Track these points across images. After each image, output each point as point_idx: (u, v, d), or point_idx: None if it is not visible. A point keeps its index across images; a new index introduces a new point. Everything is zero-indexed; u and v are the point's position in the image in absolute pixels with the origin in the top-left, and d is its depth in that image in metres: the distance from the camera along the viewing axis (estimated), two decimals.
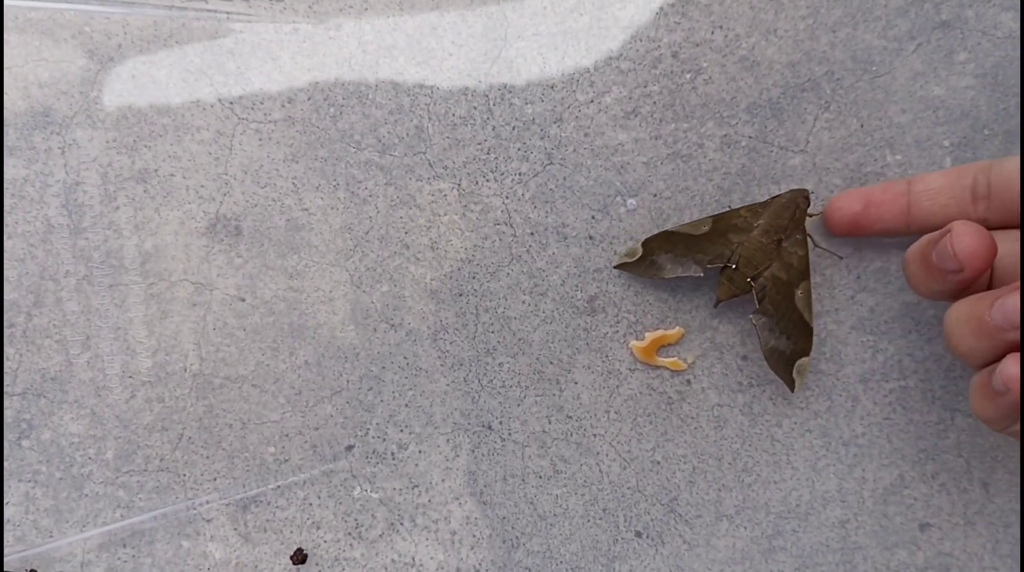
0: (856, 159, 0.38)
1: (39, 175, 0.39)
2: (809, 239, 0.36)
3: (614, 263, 0.38)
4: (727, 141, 0.38)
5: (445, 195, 0.39)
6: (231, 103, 0.39)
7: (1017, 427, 0.29)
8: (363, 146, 0.39)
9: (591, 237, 0.39)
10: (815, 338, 0.38)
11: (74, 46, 0.39)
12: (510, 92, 0.38)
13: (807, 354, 0.36)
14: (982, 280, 0.31)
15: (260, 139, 0.39)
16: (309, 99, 0.39)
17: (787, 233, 0.36)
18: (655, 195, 0.38)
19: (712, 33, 0.38)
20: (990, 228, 0.30)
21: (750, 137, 0.38)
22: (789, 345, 0.36)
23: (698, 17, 0.38)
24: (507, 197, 0.39)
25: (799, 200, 0.36)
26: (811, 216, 0.36)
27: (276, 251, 0.39)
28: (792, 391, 0.36)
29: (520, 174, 0.39)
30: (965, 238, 0.28)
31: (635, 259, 0.37)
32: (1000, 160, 0.32)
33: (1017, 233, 0.31)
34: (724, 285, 0.36)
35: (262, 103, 0.39)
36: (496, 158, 0.39)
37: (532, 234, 0.39)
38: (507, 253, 0.39)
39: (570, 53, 0.38)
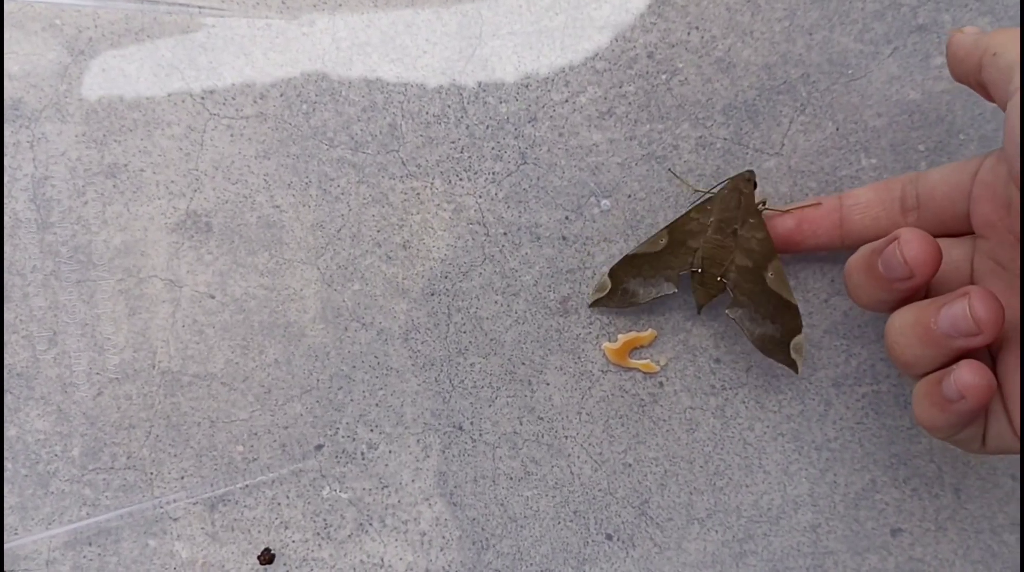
0: (831, 162, 0.38)
1: (7, 169, 0.38)
2: (768, 212, 0.36)
3: (588, 302, 0.38)
4: (702, 143, 0.38)
5: (418, 194, 0.38)
6: (202, 98, 0.38)
7: (962, 435, 0.29)
8: (336, 143, 0.38)
9: (564, 238, 0.38)
10: (804, 311, 0.38)
11: (45, 39, 0.38)
12: (484, 91, 0.38)
13: (799, 331, 0.35)
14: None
15: (232, 135, 0.38)
16: (281, 95, 0.38)
17: (740, 221, 0.35)
18: (629, 196, 0.38)
19: (688, 34, 0.38)
20: None
21: (725, 139, 0.38)
22: (778, 328, 0.35)
23: (674, 18, 0.38)
24: (480, 196, 0.38)
25: (740, 185, 0.35)
26: (763, 204, 0.36)
27: (247, 248, 0.38)
28: (797, 372, 0.35)
29: (494, 173, 0.38)
30: (914, 244, 0.28)
31: (607, 292, 0.37)
32: (924, 173, 0.33)
33: (952, 242, 0.31)
34: (699, 290, 0.36)
35: (234, 99, 0.38)
36: (470, 157, 0.38)
37: (505, 234, 0.38)
38: (480, 253, 0.38)
39: (545, 52, 0.38)
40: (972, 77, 0.29)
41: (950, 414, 0.27)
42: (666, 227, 0.36)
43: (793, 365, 0.35)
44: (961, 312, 0.27)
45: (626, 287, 0.37)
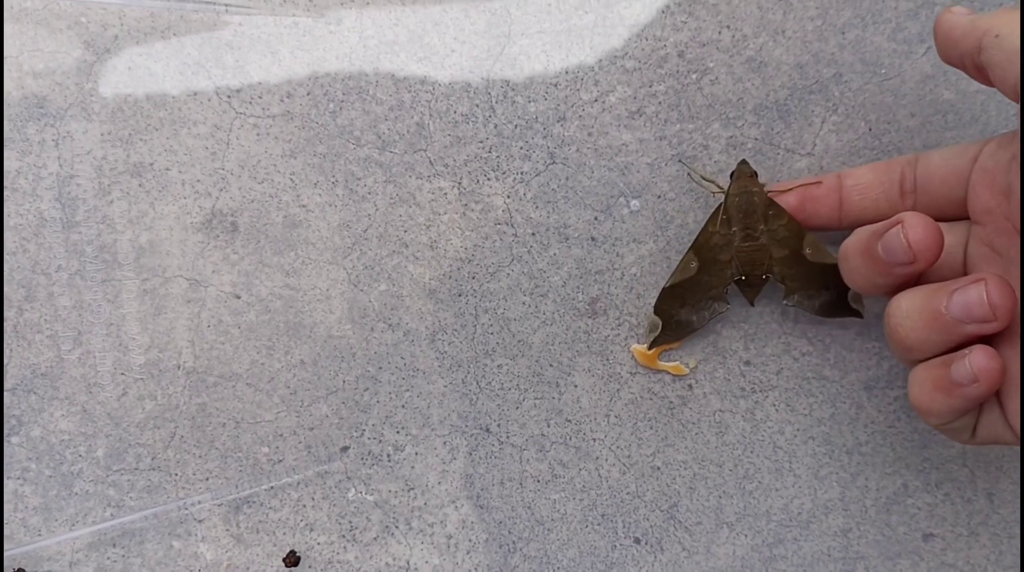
0: (864, 163, 0.38)
1: (32, 167, 0.38)
2: (776, 190, 0.35)
3: (647, 347, 0.37)
4: (733, 143, 0.38)
5: (445, 193, 0.38)
6: (229, 97, 0.38)
7: (957, 423, 0.29)
8: (363, 142, 0.38)
9: (593, 238, 0.38)
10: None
11: (70, 36, 0.38)
12: (513, 90, 0.38)
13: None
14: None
15: (258, 134, 0.38)
16: (308, 94, 0.38)
17: (762, 219, 0.35)
18: (659, 197, 0.38)
19: (719, 33, 0.37)
20: None
21: (756, 139, 0.38)
22: (832, 292, 0.35)
23: (705, 16, 0.38)
24: (508, 196, 0.38)
25: (747, 185, 0.34)
26: (764, 186, 0.35)
27: (273, 248, 0.38)
28: (862, 317, 0.35)
29: (522, 173, 0.38)
30: (918, 229, 0.28)
31: (661, 330, 0.36)
32: (925, 154, 0.32)
33: (947, 227, 0.31)
34: (747, 291, 0.36)
35: (260, 97, 0.38)
36: (498, 157, 0.38)
37: (533, 234, 0.38)
38: (508, 253, 0.38)
39: (574, 51, 0.38)
40: (968, 59, 0.28)
41: (956, 399, 0.27)
42: (691, 249, 0.36)
43: (858, 314, 0.35)
44: (977, 298, 0.26)
45: (678, 320, 0.36)
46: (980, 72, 0.28)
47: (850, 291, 0.35)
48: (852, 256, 0.30)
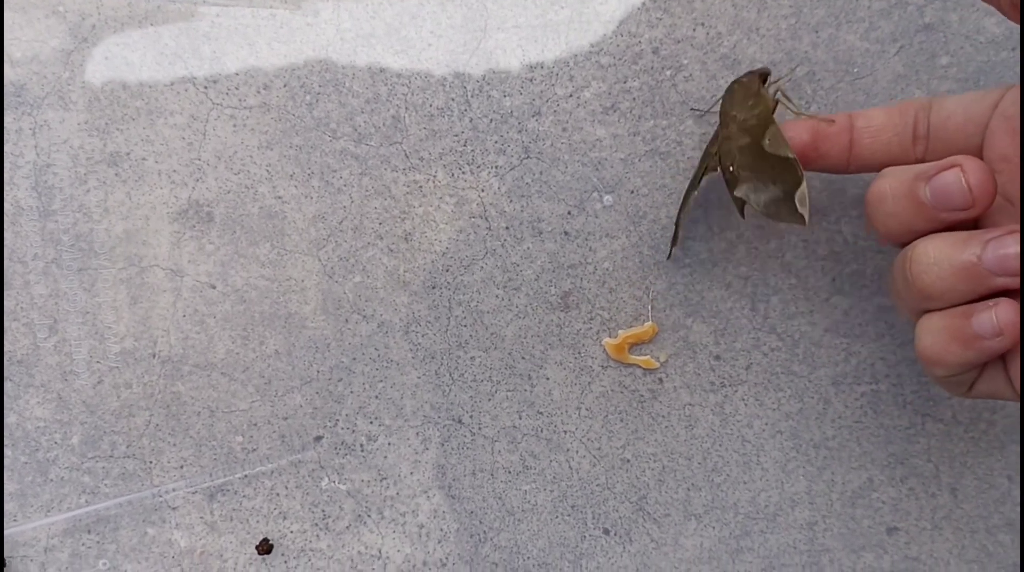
0: None
1: (9, 156, 0.38)
2: (786, 105, 0.34)
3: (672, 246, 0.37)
4: (706, 139, 0.38)
5: (420, 186, 0.38)
6: (206, 87, 0.38)
7: (963, 376, 0.28)
8: (339, 135, 0.38)
9: (566, 233, 0.38)
10: (804, 310, 0.37)
11: (48, 25, 0.38)
12: (489, 84, 0.38)
13: (800, 183, 0.32)
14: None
15: (234, 125, 0.38)
16: (285, 86, 0.38)
17: (740, 109, 0.33)
18: (632, 192, 0.38)
19: (694, 30, 0.38)
20: None
21: None
22: (779, 187, 0.33)
23: (680, 13, 0.38)
24: (483, 190, 0.38)
25: (748, 83, 0.33)
26: (776, 82, 0.34)
27: (248, 239, 0.38)
28: (804, 225, 0.33)
29: (497, 167, 0.38)
30: (980, 173, 0.27)
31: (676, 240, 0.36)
32: (940, 98, 0.31)
33: None
34: (731, 197, 0.35)
35: (237, 88, 0.38)
36: (473, 150, 0.38)
37: (507, 228, 0.38)
38: (481, 247, 0.38)
39: (550, 46, 0.38)
40: None
41: (974, 351, 0.27)
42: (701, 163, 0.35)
43: (801, 219, 0.33)
44: (1014, 252, 0.26)
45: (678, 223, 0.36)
46: (1015, 9, 0.27)
47: (798, 191, 0.32)
48: (889, 199, 0.29)
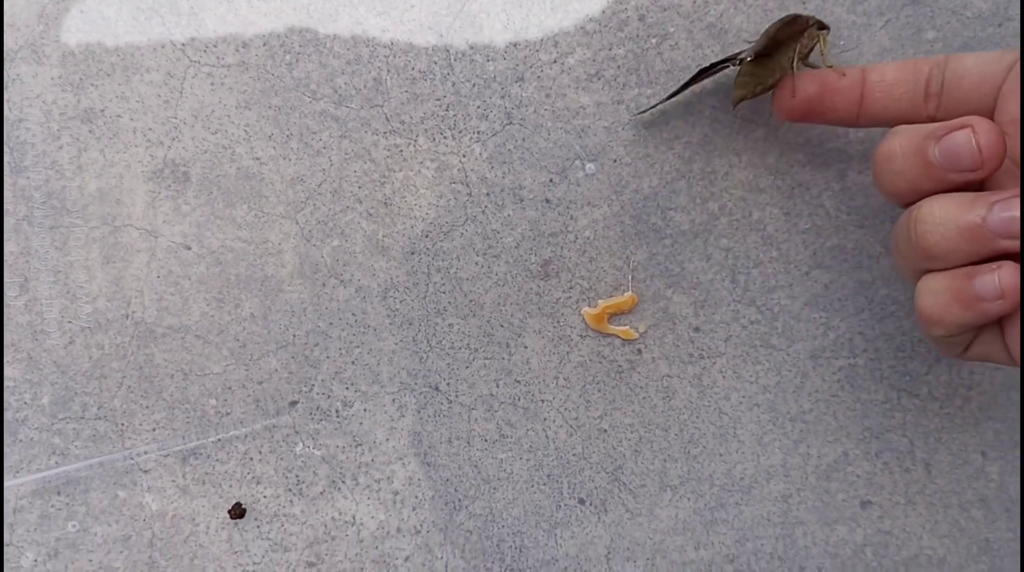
0: (819, 134, 0.38)
1: None
2: (821, 53, 0.33)
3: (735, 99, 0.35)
4: (690, 109, 0.38)
5: (401, 151, 0.38)
6: (183, 45, 0.37)
7: (960, 337, 0.29)
8: (319, 96, 0.38)
9: (548, 200, 0.38)
10: (784, 283, 0.37)
11: None
12: (472, 48, 0.38)
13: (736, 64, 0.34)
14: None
15: (212, 84, 0.37)
16: (264, 45, 0.37)
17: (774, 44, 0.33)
18: (615, 161, 0.38)
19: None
20: None
21: (713, 107, 0.38)
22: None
23: None
24: (464, 156, 0.38)
25: (804, 26, 0.33)
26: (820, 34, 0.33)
27: (225, 200, 0.38)
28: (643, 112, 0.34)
29: (479, 133, 0.38)
30: (991, 134, 0.27)
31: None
32: (956, 56, 0.31)
33: None
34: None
35: (215, 46, 0.37)
36: (455, 115, 0.38)
37: (488, 194, 0.38)
38: (462, 213, 0.38)
39: (535, 11, 0.37)
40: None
41: (973, 313, 0.27)
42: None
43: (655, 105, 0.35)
44: (1017, 215, 0.26)
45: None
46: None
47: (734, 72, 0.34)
48: (898, 157, 0.29)
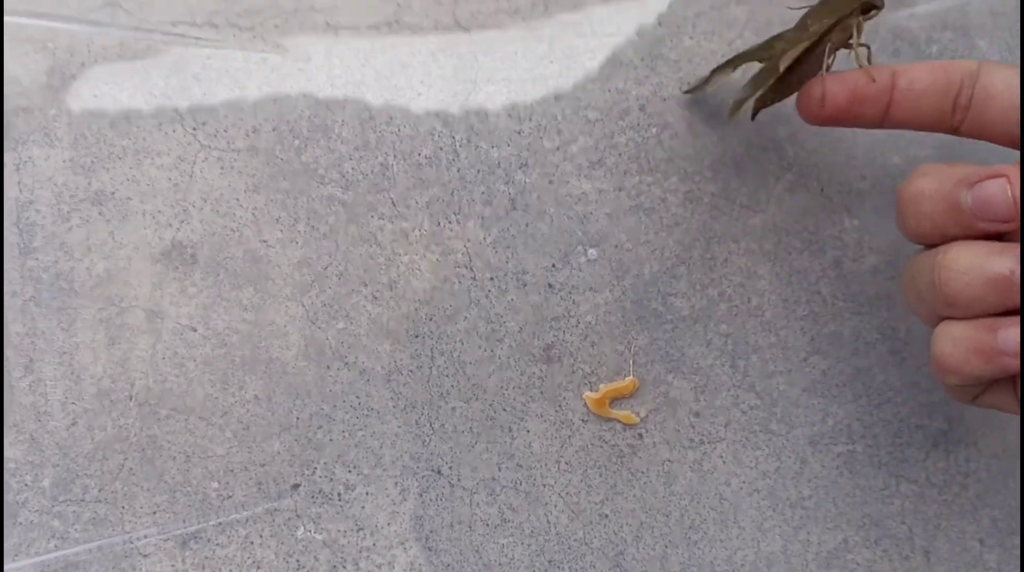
0: (815, 222, 0.39)
1: None
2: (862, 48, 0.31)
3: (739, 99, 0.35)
4: (690, 197, 0.39)
5: (407, 235, 0.38)
6: (194, 129, 0.38)
7: (975, 389, 0.28)
8: (326, 181, 0.38)
9: (550, 285, 0.38)
10: (783, 369, 0.38)
11: (36, 61, 0.38)
12: (477, 135, 0.38)
13: (753, 93, 0.34)
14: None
15: (222, 167, 0.38)
16: (274, 130, 0.38)
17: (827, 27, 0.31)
18: (616, 247, 0.38)
19: (680, 89, 0.38)
20: None
21: (713, 194, 0.38)
22: (749, 87, 0.34)
23: (667, 72, 0.38)
24: (469, 240, 0.38)
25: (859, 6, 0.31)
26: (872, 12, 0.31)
27: (231, 282, 0.38)
28: (690, 92, 0.35)
29: (483, 218, 0.38)
30: None
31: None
32: (989, 70, 0.29)
33: None
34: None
35: (226, 131, 0.38)
36: (460, 200, 0.38)
37: (492, 279, 0.38)
38: (466, 297, 0.38)
39: (539, 100, 0.38)
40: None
41: (994, 366, 0.26)
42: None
43: (701, 85, 0.36)
44: None
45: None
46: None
47: (745, 96, 0.34)
48: (926, 200, 0.28)
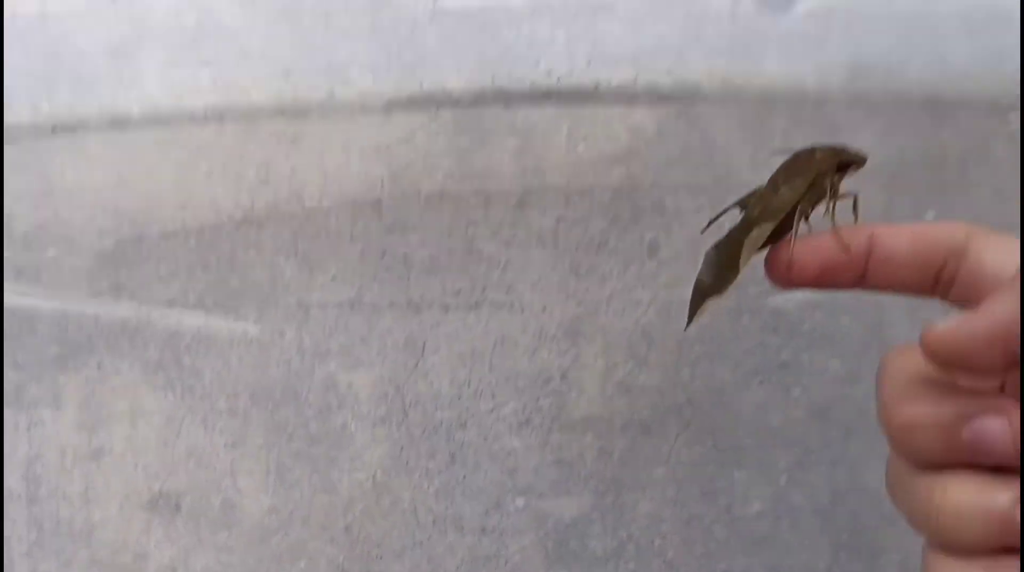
0: (710, 472, 0.46)
1: (5, 447, 0.44)
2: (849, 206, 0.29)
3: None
4: (603, 451, 0.46)
5: (362, 485, 0.45)
6: (183, 395, 0.45)
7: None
8: (294, 438, 0.45)
9: (484, 529, 0.45)
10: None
11: (49, 333, 0.45)
12: (424, 398, 0.46)
13: (719, 293, 0.29)
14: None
15: (205, 427, 0.45)
16: (251, 395, 0.45)
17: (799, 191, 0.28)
18: (540, 495, 0.45)
19: (595, 360, 0.46)
20: None
21: (622, 449, 0.46)
22: (711, 277, 0.30)
23: (585, 346, 0.46)
24: (415, 489, 0.45)
25: (835, 165, 0.28)
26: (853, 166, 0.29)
27: (210, 527, 0.44)
28: (686, 325, 0.30)
29: (427, 471, 0.45)
30: None
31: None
32: (978, 246, 0.26)
33: None
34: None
35: (210, 396, 0.45)
36: (407, 455, 0.45)
37: (434, 523, 0.45)
38: (411, 539, 0.45)
39: (476, 369, 0.46)
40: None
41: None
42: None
43: (690, 317, 0.30)
44: None
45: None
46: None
47: (709, 299, 0.29)
48: (920, 432, 0.25)
